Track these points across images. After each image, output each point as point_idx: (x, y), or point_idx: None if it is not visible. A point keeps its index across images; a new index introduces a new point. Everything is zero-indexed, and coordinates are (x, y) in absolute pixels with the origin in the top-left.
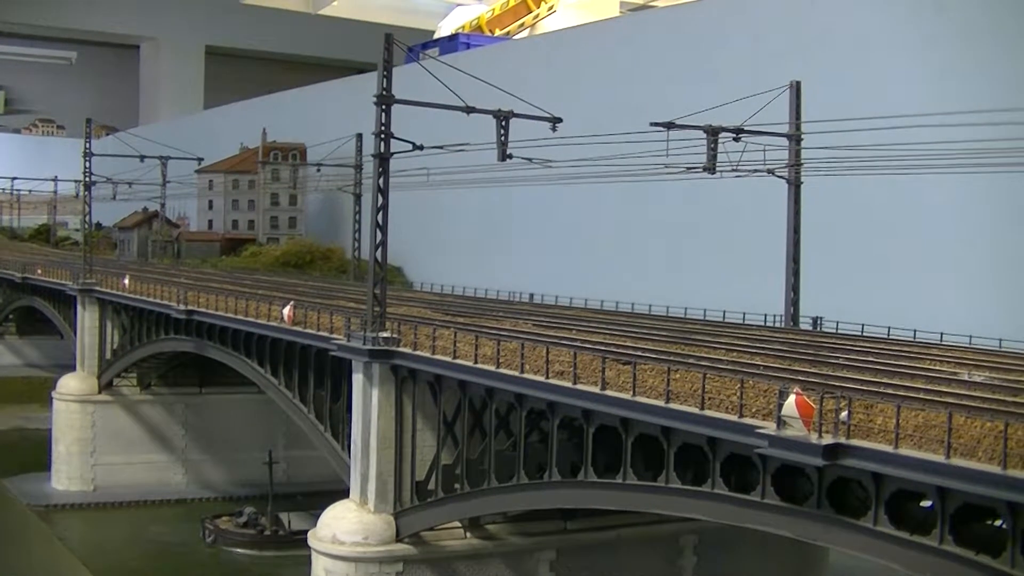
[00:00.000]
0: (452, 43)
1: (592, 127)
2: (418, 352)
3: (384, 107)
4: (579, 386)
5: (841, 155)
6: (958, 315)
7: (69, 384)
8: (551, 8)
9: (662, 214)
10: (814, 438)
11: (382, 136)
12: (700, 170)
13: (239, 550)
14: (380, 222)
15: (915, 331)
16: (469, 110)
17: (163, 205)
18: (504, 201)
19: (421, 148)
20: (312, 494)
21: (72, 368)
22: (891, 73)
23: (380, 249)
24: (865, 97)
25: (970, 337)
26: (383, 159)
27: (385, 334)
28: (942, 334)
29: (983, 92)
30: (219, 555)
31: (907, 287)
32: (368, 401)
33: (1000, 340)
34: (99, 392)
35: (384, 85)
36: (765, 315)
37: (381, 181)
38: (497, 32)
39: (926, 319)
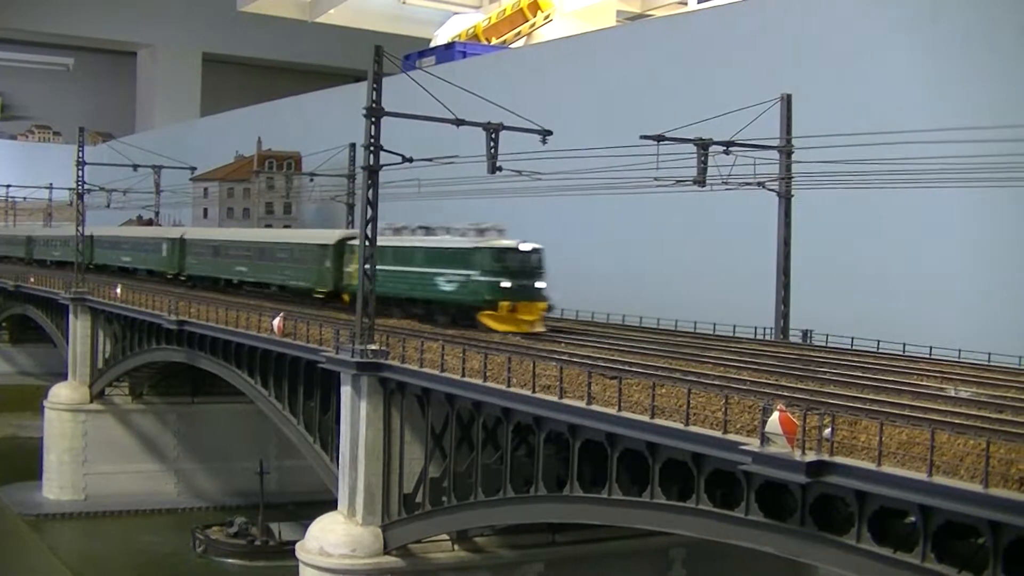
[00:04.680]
0: (448, 52)
1: (584, 138)
2: (406, 365)
3: (373, 119)
4: (565, 400)
5: (833, 168)
6: (948, 328)
7: (61, 393)
8: (547, 17)
9: (655, 225)
10: (797, 455)
11: (371, 148)
12: (690, 183)
13: (229, 560)
14: (369, 234)
15: (904, 344)
16: (459, 122)
17: (157, 213)
18: (498, 211)
19: (411, 160)
20: (304, 504)
21: (65, 377)
22: (885, 86)
23: (369, 261)
24: (859, 110)
25: (959, 351)
26: (372, 171)
27: (373, 346)
28: (931, 348)
29: (978, 105)
30: (209, 565)
31: (898, 299)
32: (356, 413)
33: (989, 355)
34: (91, 401)
35: (374, 97)
36: (755, 328)
37: (370, 193)
38: (493, 41)
39: (916, 332)
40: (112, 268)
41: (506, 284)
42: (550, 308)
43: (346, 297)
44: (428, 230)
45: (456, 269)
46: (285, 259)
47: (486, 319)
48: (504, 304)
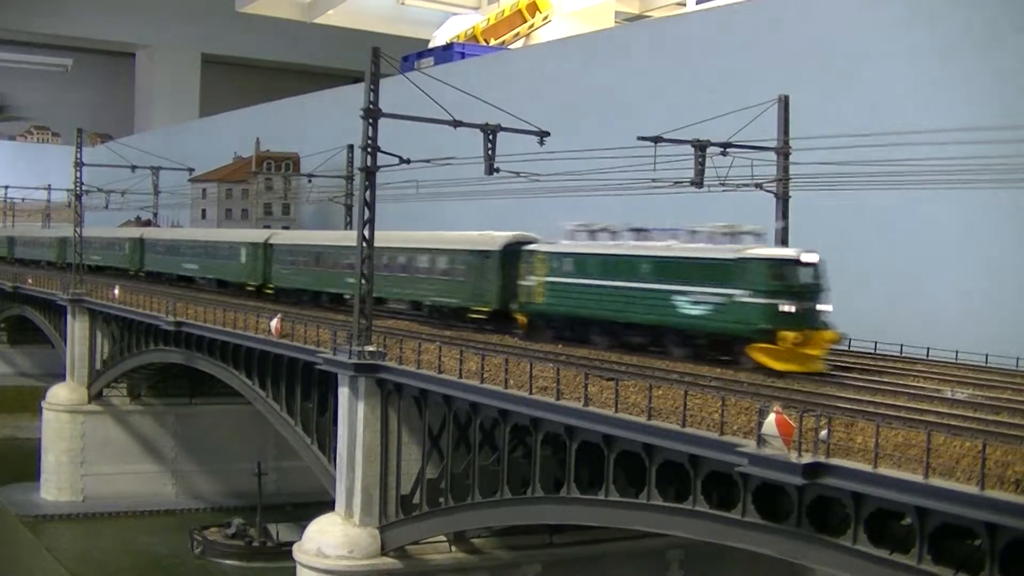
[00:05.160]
0: (447, 52)
1: (582, 139)
2: (403, 366)
3: (371, 120)
4: (562, 402)
5: (830, 169)
6: (946, 329)
7: (59, 394)
8: (546, 18)
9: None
10: (794, 457)
11: (368, 149)
12: (688, 184)
13: (227, 561)
14: (367, 235)
15: (901, 346)
16: (456, 124)
17: (155, 214)
18: (495, 212)
19: (408, 162)
20: (301, 505)
21: (63, 378)
22: (884, 86)
23: (366, 262)
24: (856, 111)
25: (956, 352)
26: (370, 172)
27: (371, 348)
28: (928, 349)
29: (976, 107)
30: (207, 566)
31: (896, 300)
32: (354, 415)
33: (987, 356)
34: (89, 402)
35: (371, 98)
36: None
37: (367, 195)
38: (492, 41)
39: (914, 333)
40: (169, 277)
41: (788, 308)
42: (839, 340)
43: (521, 318)
44: (641, 232)
45: (710, 287)
46: (425, 269)
47: (759, 355)
48: (787, 335)
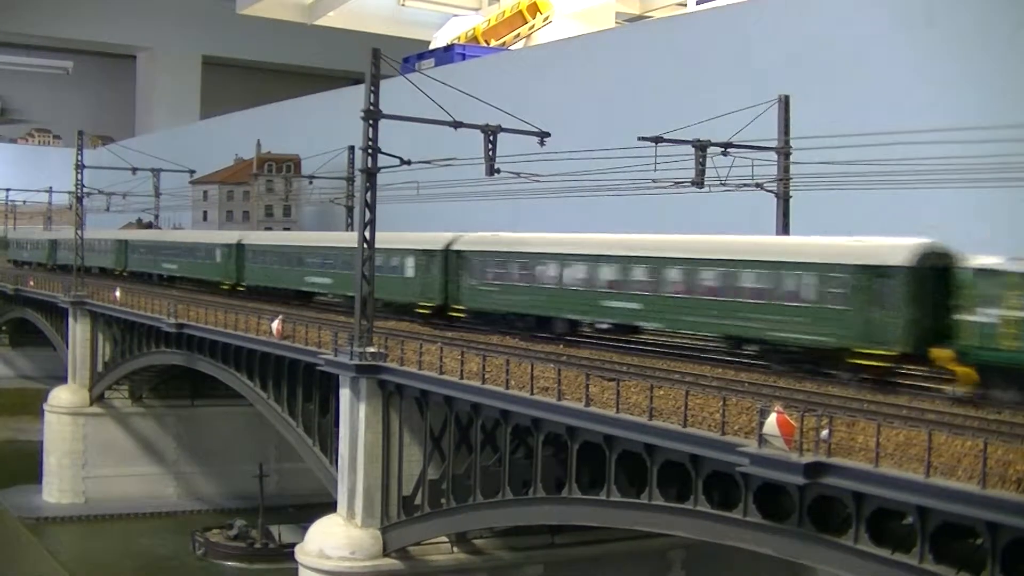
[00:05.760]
0: (447, 54)
1: (583, 140)
2: (405, 367)
3: (371, 122)
4: (563, 402)
5: (831, 169)
6: None
7: (61, 396)
8: (546, 19)
9: (654, 226)
10: (795, 456)
11: (369, 151)
12: (688, 184)
13: (229, 563)
14: (367, 237)
15: None
16: (457, 125)
17: (157, 216)
18: (496, 213)
19: (409, 163)
20: (303, 507)
21: (65, 380)
22: (883, 86)
23: (367, 263)
24: (856, 110)
25: None
26: (370, 174)
27: (372, 349)
28: None
29: (974, 106)
30: (209, 568)
31: None
32: (355, 416)
33: None
34: (91, 404)
35: (371, 100)
36: None
37: (368, 196)
38: (492, 42)
39: None
40: (282, 292)
41: None
42: None
43: (964, 370)
44: None
45: None
46: (758, 291)
47: None
48: None
